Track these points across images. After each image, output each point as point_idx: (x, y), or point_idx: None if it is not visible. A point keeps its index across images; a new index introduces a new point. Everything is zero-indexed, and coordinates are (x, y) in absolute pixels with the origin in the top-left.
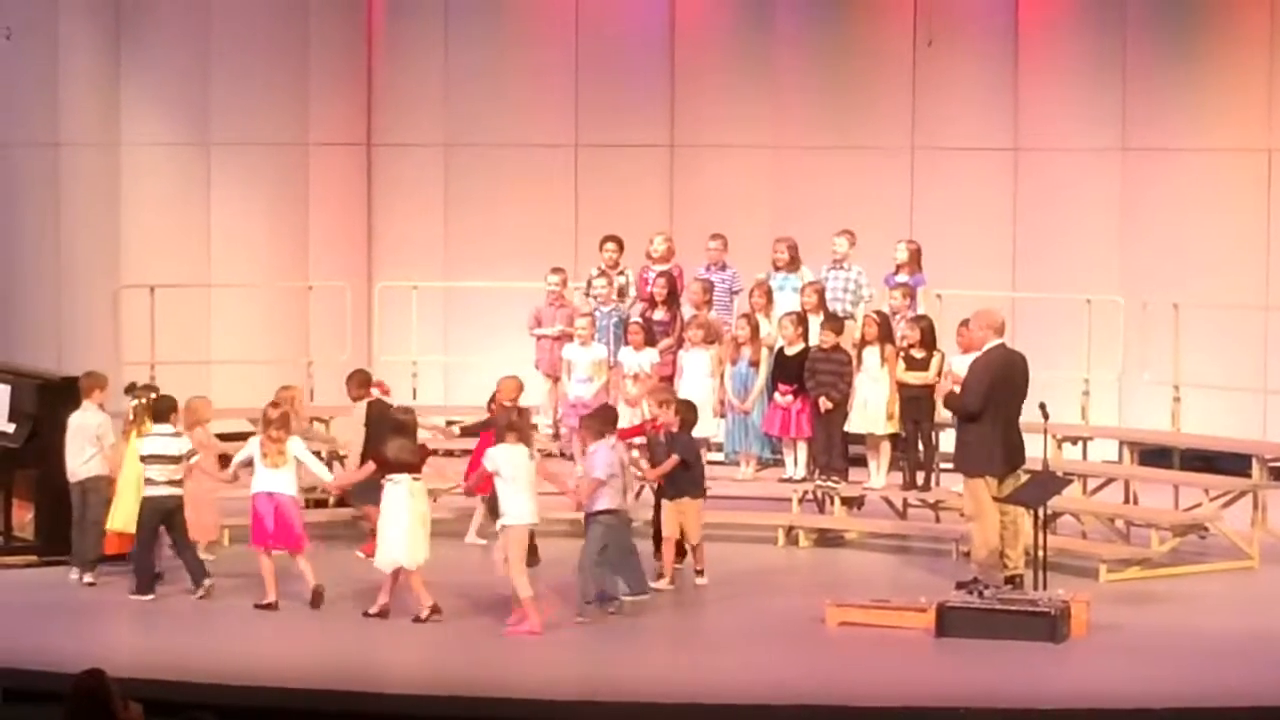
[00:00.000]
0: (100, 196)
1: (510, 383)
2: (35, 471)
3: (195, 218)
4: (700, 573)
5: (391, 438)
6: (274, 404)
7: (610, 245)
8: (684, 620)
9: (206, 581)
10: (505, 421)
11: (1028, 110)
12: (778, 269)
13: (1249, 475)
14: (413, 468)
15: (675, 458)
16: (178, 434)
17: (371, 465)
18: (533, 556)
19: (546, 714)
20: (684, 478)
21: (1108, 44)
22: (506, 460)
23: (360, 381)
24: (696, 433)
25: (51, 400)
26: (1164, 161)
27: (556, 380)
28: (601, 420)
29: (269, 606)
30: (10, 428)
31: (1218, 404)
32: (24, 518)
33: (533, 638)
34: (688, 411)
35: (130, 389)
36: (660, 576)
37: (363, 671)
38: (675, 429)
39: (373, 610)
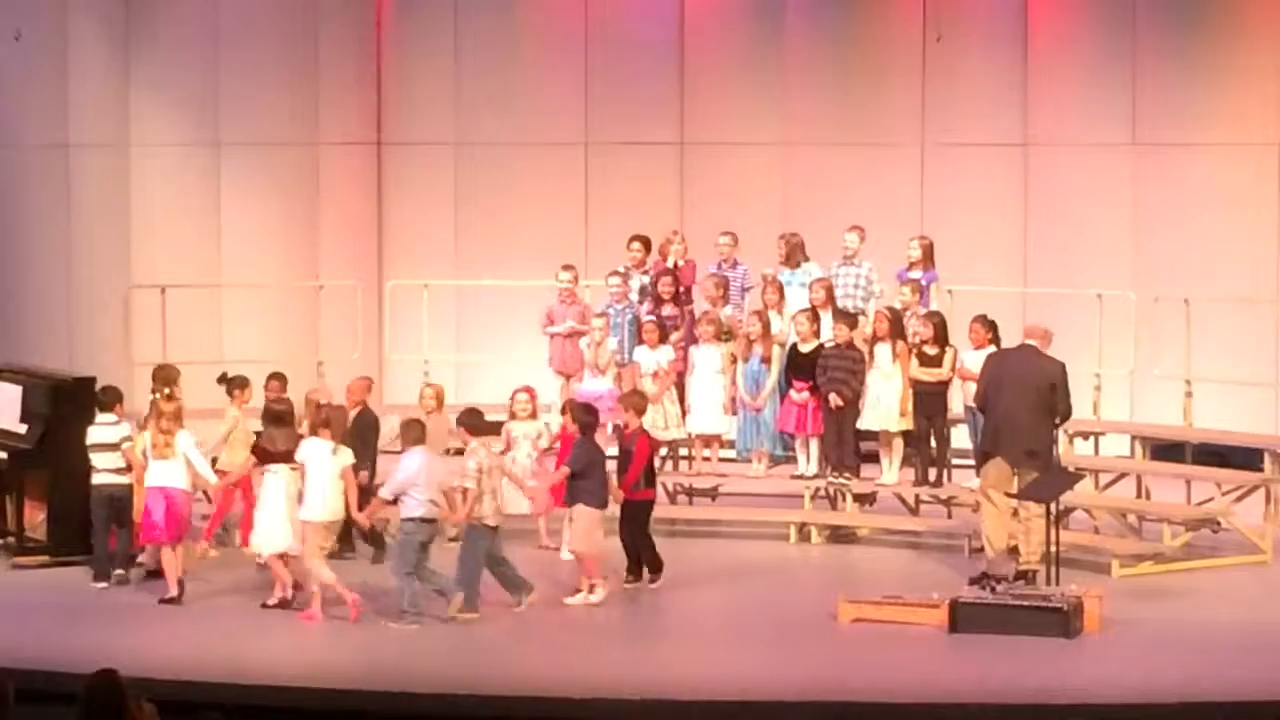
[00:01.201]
0: (110, 197)
1: (360, 383)
2: (47, 472)
3: (205, 218)
4: (591, 588)
5: (268, 428)
6: (169, 396)
7: (636, 245)
8: (696, 616)
9: (118, 573)
10: (318, 418)
11: (1038, 105)
12: (782, 264)
13: (1261, 469)
14: (290, 457)
15: (565, 469)
16: (117, 422)
17: (252, 460)
18: (348, 546)
19: (558, 711)
20: (578, 485)
21: (1118, 39)
22: (312, 455)
23: (282, 385)
24: (706, 429)
25: (63, 401)
26: (1175, 156)
27: (569, 378)
28: (420, 429)
29: (172, 601)
30: (22, 429)
31: (1230, 398)
32: (36, 519)
33: (311, 623)
34: (584, 415)
35: (221, 379)
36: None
37: (375, 671)
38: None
39: (271, 601)
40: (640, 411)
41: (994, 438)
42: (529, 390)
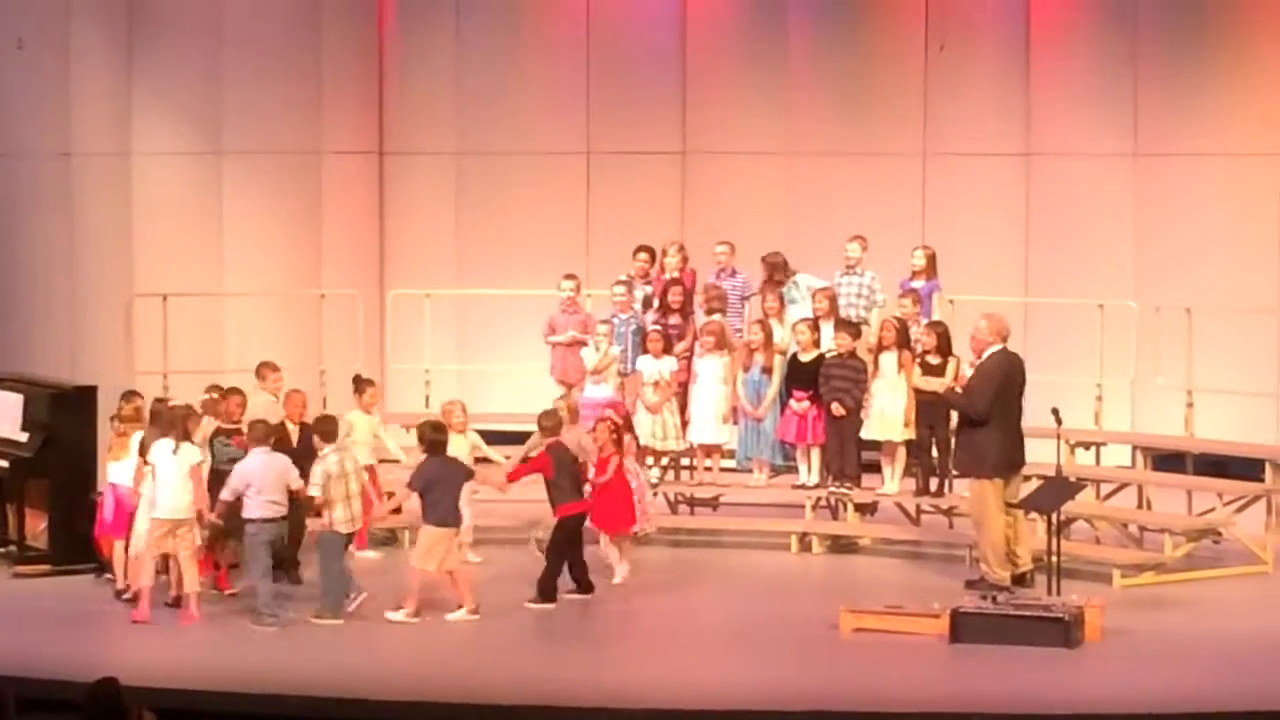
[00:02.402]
0: (113, 206)
1: (298, 396)
2: (49, 481)
3: (208, 226)
4: (460, 606)
5: (149, 429)
6: (127, 398)
7: (643, 255)
8: (697, 626)
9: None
10: (166, 417)
11: (1040, 115)
12: (775, 284)
13: (1262, 480)
14: None
15: (407, 490)
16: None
17: (142, 461)
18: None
19: (558, 719)
20: (423, 503)
21: (1119, 48)
22: (157, 456)
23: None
24: (707, 439)
25: (65, 410)
26: (1176, 166)
27: (570, 387)
28: (265, 429)
29: (130, 598)
30: (24, 437)
31: (1231, 408)
32: (37, 527)
33: (144, 624)
34: (432, 433)
35: (358, 382)
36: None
37: (383, 680)
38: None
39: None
40: (549, 432)
41: (996, 461)
42: (616, 406)
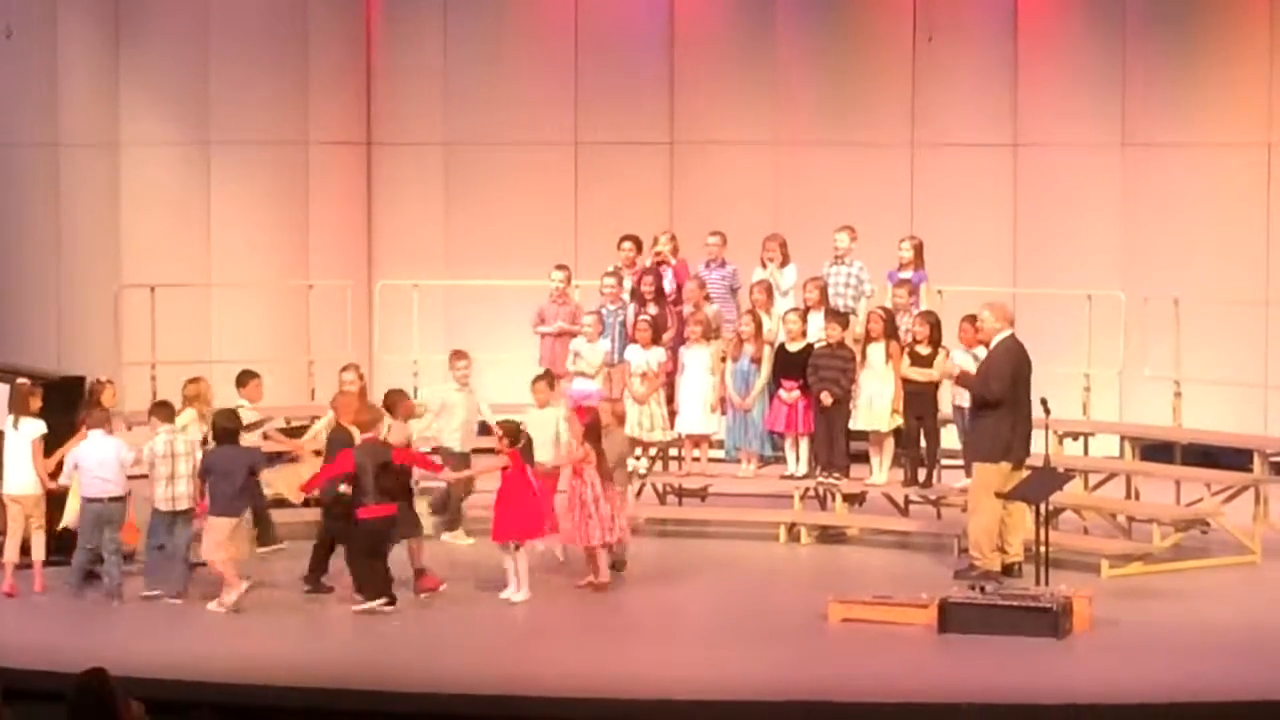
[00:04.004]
0: (100, 196)
1: (345, 399)
2: None
3: (195, 217)
4: (227, 605)
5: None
6: (192, 381)
7: (628, 244)
8: (685, 616)
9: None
10: (11, 395)
11: (1028, 105)
12: (779, 266)
13: (1250, 470)
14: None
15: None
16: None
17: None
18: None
19: (546, 710)
20: (210, 491)
21: (1108, 39)
22: (6, 432)
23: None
24: (694, 429)
25: (52, 400)
26: (1164, 156)
27: (559, 378)
28: (102, 415)
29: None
30: None
31: (1219, 399)
32: None
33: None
34: (223, 420)
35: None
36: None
37: (368, 670)
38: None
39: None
40: (363, 427)
41: (1006, 445)
42: (616, 404)
